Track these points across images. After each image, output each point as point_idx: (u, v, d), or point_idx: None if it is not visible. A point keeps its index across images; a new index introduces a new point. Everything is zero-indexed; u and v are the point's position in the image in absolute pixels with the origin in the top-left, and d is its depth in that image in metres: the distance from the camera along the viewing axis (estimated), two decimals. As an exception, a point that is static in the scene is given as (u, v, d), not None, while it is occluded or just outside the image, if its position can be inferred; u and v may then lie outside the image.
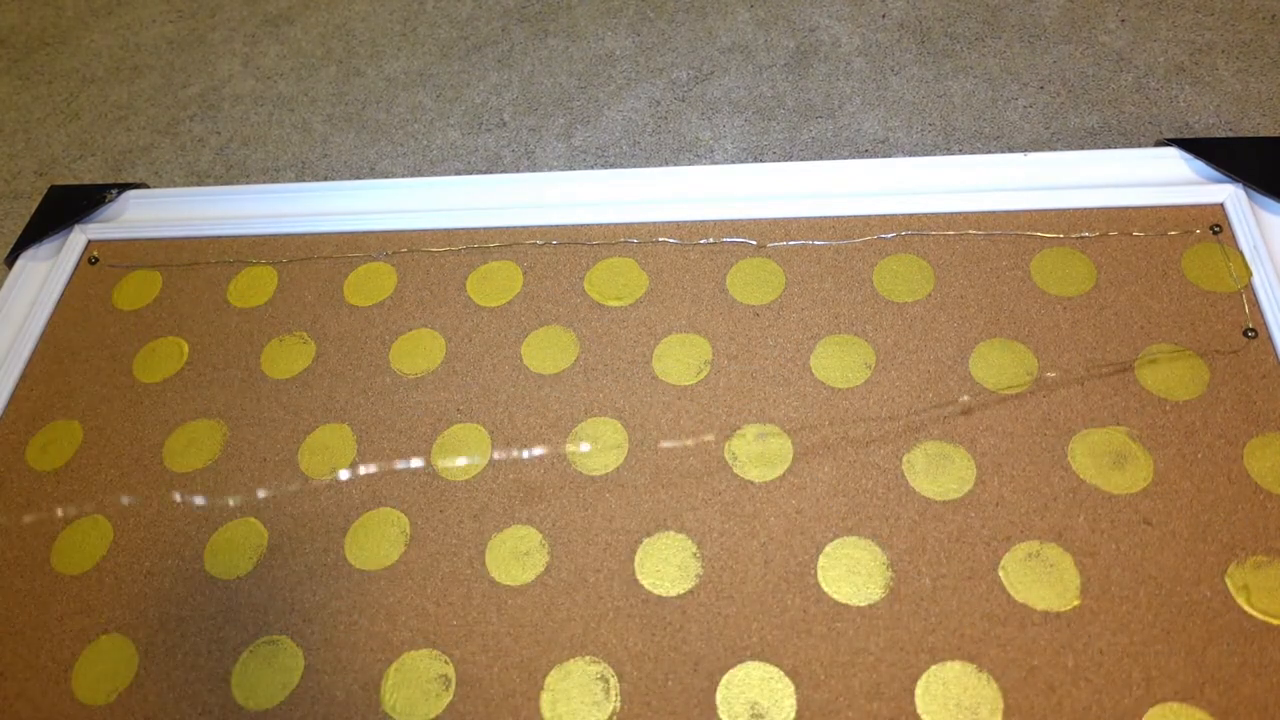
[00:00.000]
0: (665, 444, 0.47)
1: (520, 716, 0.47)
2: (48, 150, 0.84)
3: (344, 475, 0.49)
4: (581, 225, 0.65)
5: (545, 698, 0.47)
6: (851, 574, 0.49)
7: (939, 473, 0.51)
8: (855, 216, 0.62)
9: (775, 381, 0.56)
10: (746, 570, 0.50)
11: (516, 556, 0.52)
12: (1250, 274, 0.56)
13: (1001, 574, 0.48)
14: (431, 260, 0.65)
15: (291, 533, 0.54)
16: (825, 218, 0.62)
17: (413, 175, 0.77)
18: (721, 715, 0.46)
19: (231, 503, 0.56)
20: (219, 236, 0.69)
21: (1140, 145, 0.68)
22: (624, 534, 0.52)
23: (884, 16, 0.80)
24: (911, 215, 0.62)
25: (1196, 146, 0.62)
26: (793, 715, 0.45)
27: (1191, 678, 0.44)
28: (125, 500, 0.57)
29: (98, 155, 0.83)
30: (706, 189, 0.66)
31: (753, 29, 0.81)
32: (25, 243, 0.70)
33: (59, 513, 0.57)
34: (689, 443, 0.46)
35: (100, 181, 0.80)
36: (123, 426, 0.60)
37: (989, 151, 0.70)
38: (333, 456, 0.57)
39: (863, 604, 0.48)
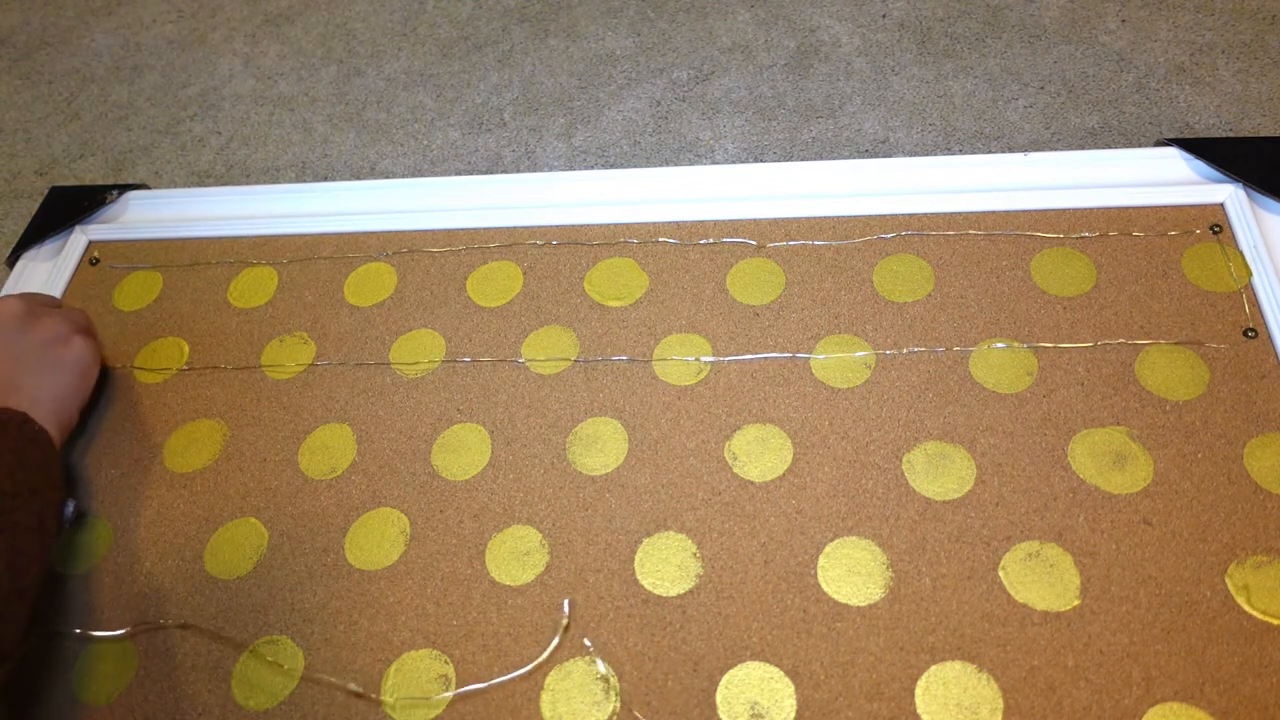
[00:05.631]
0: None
1: (520, 716, 0.47)
2: (48, 150, 0.84)
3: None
4: (581, 225, 0.65)
5: (545, 698, 0.47)
6: (851, 574, 0.49)
7: (939, 473, 0.51)
8: (855, 216, 0.62)
9: (775, 381, 0.56)
10: (746, 570, 0.50)
11: (516, 556, 0.52)
12: (1250, 274, 0.56)
13: (1001, 574, 0.48)
14: (431, 260, 0.65)
15: (291, 533, 0.54)
16: (825, 218, 0.62)
17: (413, 175, 0.77)
18: (721, 715, 0.46)
19: (231, 503, 0.56)
20: (219, 237, 0.69)
21: (1140, 145, 0.68)
22: (624, 534, 0.52)
23: (884, 16, 0.80)
24: (911, 215, 0.62)
25: (1196, 146, 0.62)
26: (793, 715, 0.45)
27: (1191, 678, 0.44)
28: (127, 500, 0.57)
29: (98, 155, 0.83)
30: (706, 189, 0.66)
31: (753, 29, 0.81)
32: (26, 243, 0.70)
33: (59, 513, 0.57)
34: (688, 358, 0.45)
35: (100, 182, 0.80)
36: (123, 426, 0.60)
37: (989, 151, 0.70)
38: (332, 456, 0.57)
39: (863, 604, 0.48)
